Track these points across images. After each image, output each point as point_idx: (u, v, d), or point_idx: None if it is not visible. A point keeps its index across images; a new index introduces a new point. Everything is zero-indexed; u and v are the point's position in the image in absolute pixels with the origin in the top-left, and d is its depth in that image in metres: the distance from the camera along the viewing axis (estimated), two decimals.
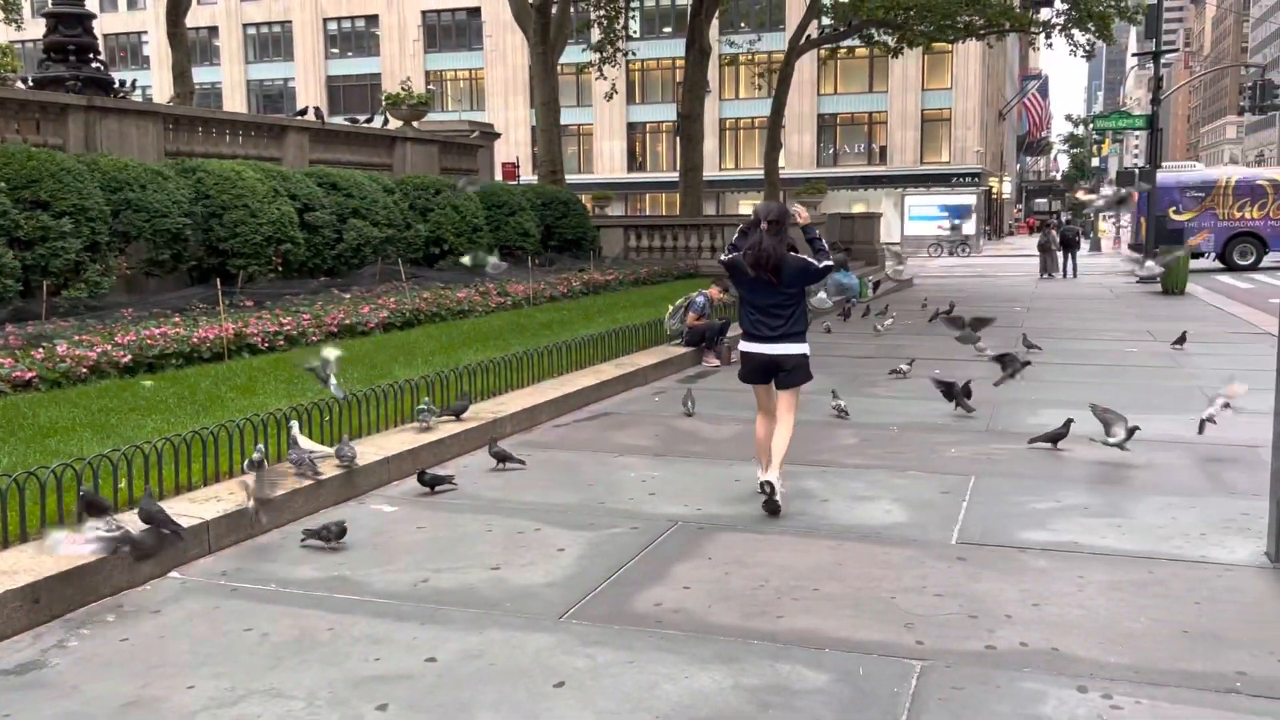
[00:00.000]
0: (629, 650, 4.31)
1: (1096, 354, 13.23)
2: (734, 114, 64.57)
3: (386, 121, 21.35)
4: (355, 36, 72.14)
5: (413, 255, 15.95)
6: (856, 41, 33.06)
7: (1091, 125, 45.47)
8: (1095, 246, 48.32)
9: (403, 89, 21.06)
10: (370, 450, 7.01)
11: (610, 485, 6.92)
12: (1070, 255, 30.70)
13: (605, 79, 29.66)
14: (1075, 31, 29.14)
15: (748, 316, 6.45)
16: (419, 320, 13.16)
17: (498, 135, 25.38)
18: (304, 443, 6.48)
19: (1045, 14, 32.38)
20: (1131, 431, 7.52)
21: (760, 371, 6.49)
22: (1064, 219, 42.42)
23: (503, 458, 7.25)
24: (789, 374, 6.40)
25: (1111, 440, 7.53)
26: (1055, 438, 7.89)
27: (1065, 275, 30.20)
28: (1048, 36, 29.76)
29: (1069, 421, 7.92)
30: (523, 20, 25.11)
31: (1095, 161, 60.87)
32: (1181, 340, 13.40)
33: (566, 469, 7.39)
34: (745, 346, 6.52)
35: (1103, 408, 7.82)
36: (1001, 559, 5.38)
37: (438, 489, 6.66)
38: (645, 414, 9.45)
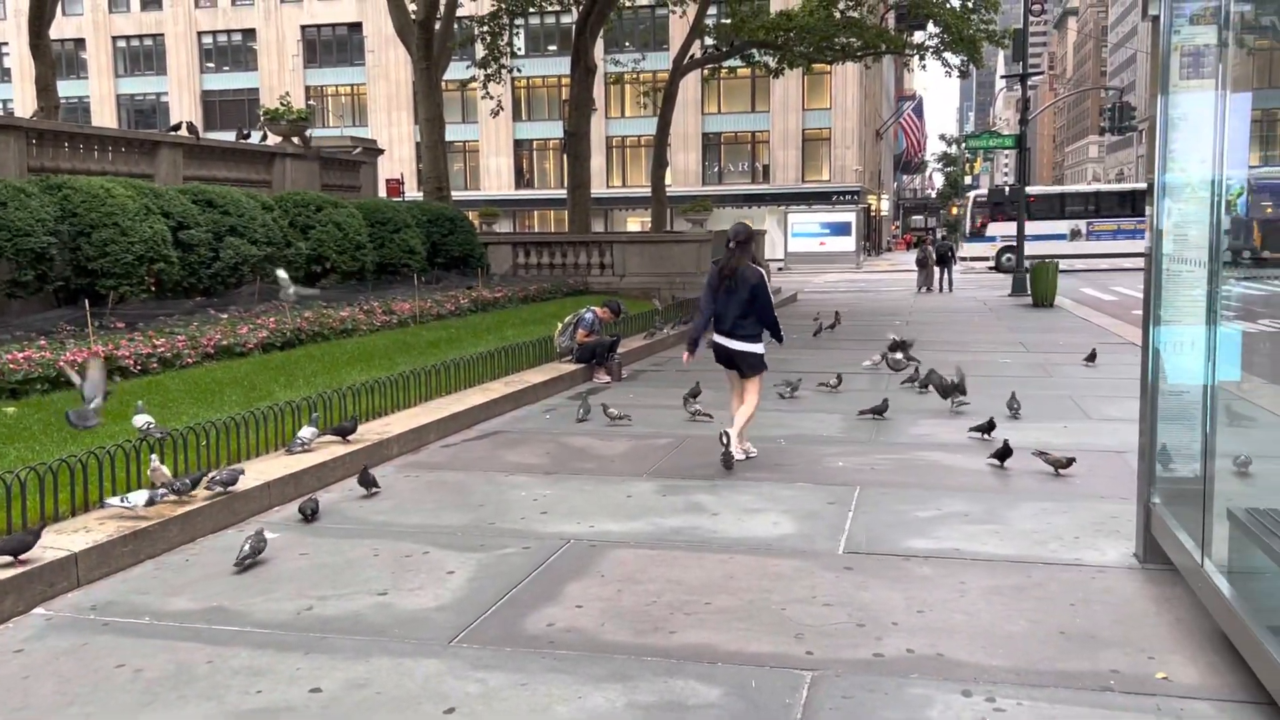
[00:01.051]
0: (521, 672, 4.25)
1: (973, 366, 13.62)
2: (621, 132, 65.01)
3: (265, 137, 20.80)
4: (232, 51, 70.24)
5: (294, 274, 15.54)
6: (739, 62, 33.65)
7: (964, 145, 47.18)
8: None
9: (281, 104, 20.54)
10: (250, 475, 6.78)
11: (501, 505, 6.83)
12: (946, 270, 31.76)
13: (491, 96, 29.51)
14: (948, 54, 30.23)
15: (719, 315, 8.13)
16: (300, 340, 12.82)
17: (381, 151, 24.98)
18: (164, 472, 6.21)
19: (919, 37, 33.56)
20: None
21: (725, 360, 8.24)
22: (939, 235, 43.89)
23: (368, 483, 7.01)
24: (748, 367, 8.15)
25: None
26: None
27: (941, 289, 31.22)
28: (921, 59, 30.81)
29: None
30: (405, 36, 24.81)
31: (968, 179, 63.19)
32: (1092, 357, 13.66)
33: (456, 489, 7.27)
34: (714, 338, 8.20)
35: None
36: (887, 567, 5.49)
37: (315, 517, 6.46)
38: (536, 431, 9.38)
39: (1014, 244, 41.44)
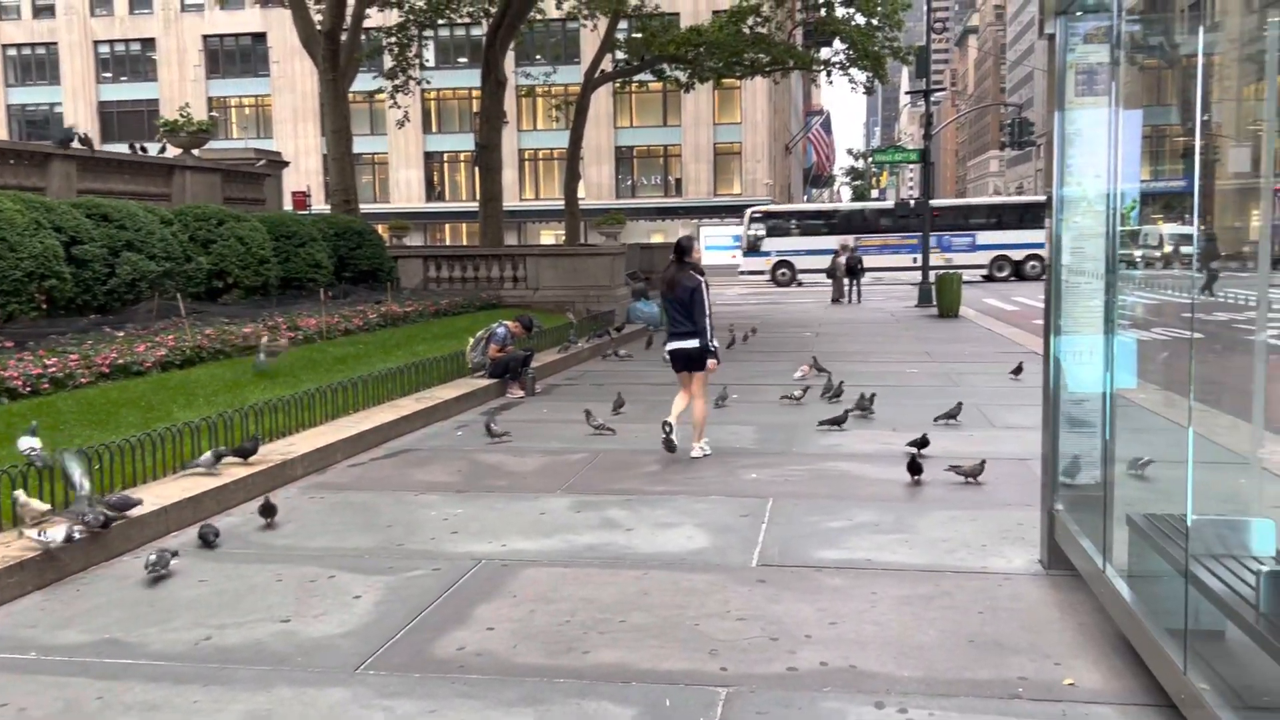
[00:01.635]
0: (430, 699, 4.13)
1: (881, 375, 13.88)
2: (533, 144, 64.80)
3: (164, 149, 20.19)
4: (130, 60, 68.19)
5: (194, 290, 15.08)
6: (650, 76, 33.84)
7: (870, 159, 48.21)
8: None
9: (181, 115, 19.97)
10: (148, 499, 6.51)
11: (410, 525, 6.69)
12: (855, 281, 32.34)
13: (399, 107, 29.15)
14: (854, 70, 30.81)
15: (669, 324, 9.07)
16: (201, 358, 12.42)
17: (286, 164, 24.45)
18: (35, 507, 5.87)
19: (825, 53, 34.14)
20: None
21: (678, 361, 8.94)
22: (849, 248, 44.67)
23: (268, 512, 6.69)
24: (695, 361, 8.81)
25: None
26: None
27: (851, 300, 31.76)
28: (829, 74, 31.33)
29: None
30: (311, 46, 24.34)
31: (875, 193, 64.52)
32: (1018, 370, 13.46)
33: (363, 510, 7.10)
34: (667, 345, 9.09)
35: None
36: (800, 579, 5.51)
37: (215, 542, 6.23)
38: (447, 449, 9.22)
39: (788, 259, 43.67)
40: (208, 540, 6.20)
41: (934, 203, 34.54)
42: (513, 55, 42.58)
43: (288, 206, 29.71)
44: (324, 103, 24.44)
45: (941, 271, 26.50)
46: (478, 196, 26.34)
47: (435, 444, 9.44)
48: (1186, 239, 4.34)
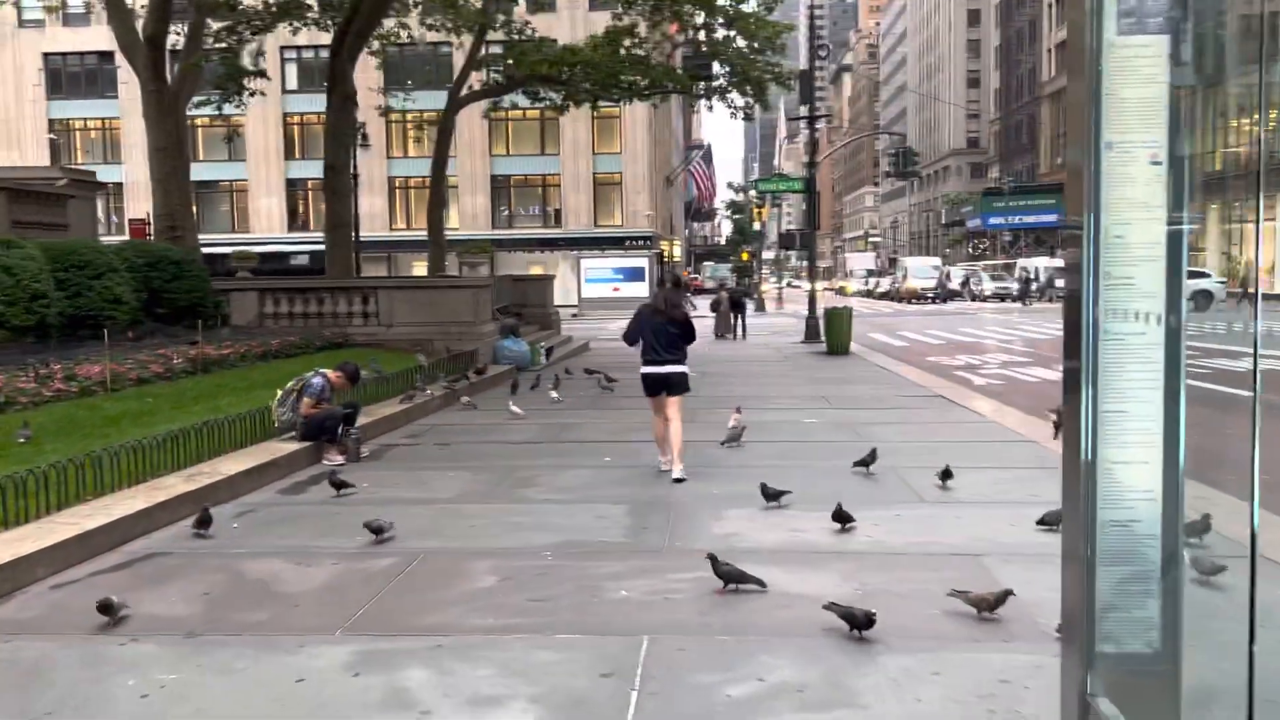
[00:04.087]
0: None
1: (777, 428, 11.94)
2: (405, 172, 61.92)
3: None
4: None
5: None
6: (522, 99, 31.75)
7: (754, 188, 47.04)
8: (760, 307, 49.86)
9: None
10: None
11: (83, 709, 4.30)
12: (739, 316, 30.74)
13: (225, 120, 26.32)
14: (734, 95, 29.30)
15: (649, 348, 9.25)
16: None
17: (101, 185, 21.50)
18: None
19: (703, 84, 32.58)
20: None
21: (657, 385, 9.25)
22: (733, 282, 43.33)
23: None
24: (676, 386, 9.23)
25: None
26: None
27: (735, 336, 30.12)
28: (709, 99, 29.77)
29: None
30: (131, 54, 21.49)
31: (757, 226, 63.63)
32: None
33: (25, 676, 4.67)
34: (646, 370, 9.31)
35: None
36: None
37: None
38: (209, 552, 6.79)
39: None
40: None
41: None
42: (380, 77, 40.00)
43: (108, 235, 26.52)
44: (146, 118, 21.55)
45: (831, 307, 24.98)
46: (324, 223, 23.69)
47: (194, 544, 6.97)
48: None
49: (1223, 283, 4.54)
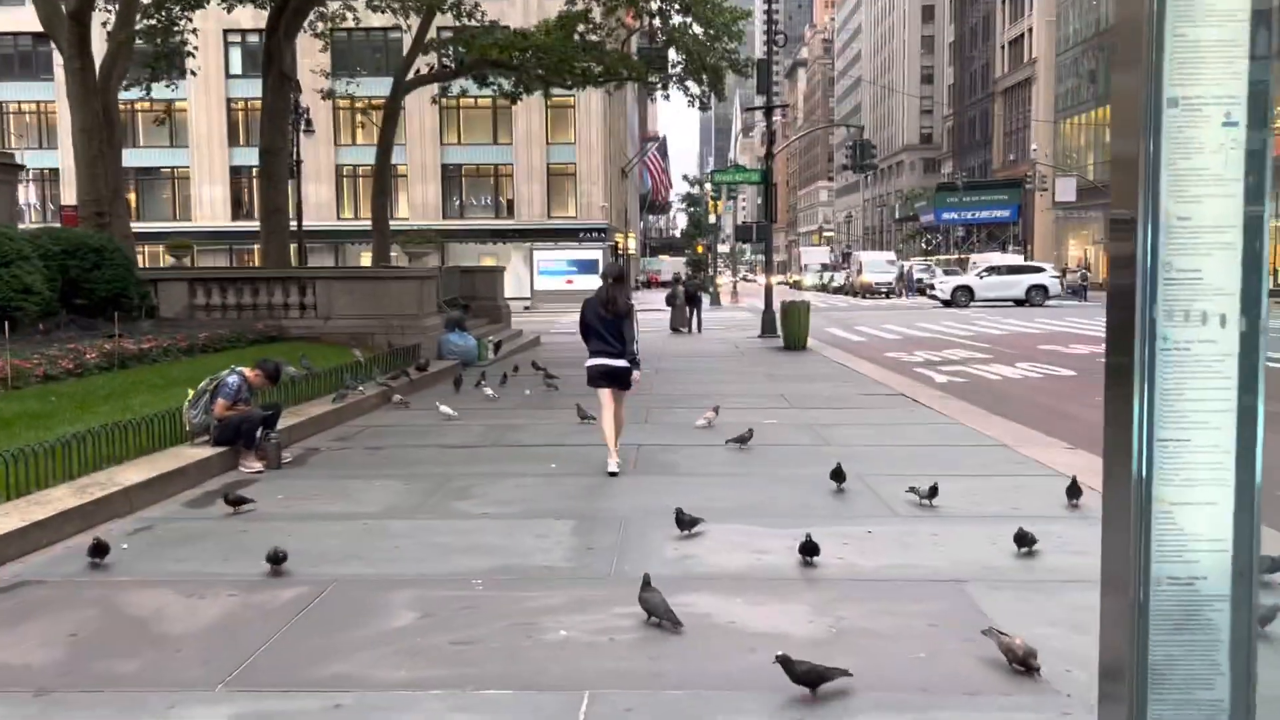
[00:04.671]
0: None
1: (735, 429, 11.21)
2: (354, 160, 60.44)
3: None
4: None
5: None
6: (472, 85, 30.77)
7: (711, 179, 46.33)
8: (715, 301, 49.28)
9: None
10: None
11: None
12: (695, 310, 30.07)
13: (152, 103, 25.13)
14: (690, 83, 28.58)
15: (596, 342, 9.15)
16: None
17: (19, 168, 20.25)
18: None
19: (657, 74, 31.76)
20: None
21: (605, 378, 9.16)
22: (686, 275, 42.63)
23: None
24: (620, 380, 9.16)
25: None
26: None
27: (691, 330, 29.46)
28: (665, 87, 29.02)
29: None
30: (54, 30, 20.27)
31: (712, 218, 63.08)
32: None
33: None
34: (592, 362, 9.17)
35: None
36: None
37: None
38: (87, 582, 5.90)
39: None
40: None
41: None
42: (328, 61, 38.79)
43: (31, 220, 25.17)
44: (70, 96, 20.36)
45: (789, 301, 24.35)
46: (258, 209, 22.60)
47: (71, 569, 6.08)
48: None
49: None
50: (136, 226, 55.98)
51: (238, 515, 7.26)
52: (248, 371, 9.35)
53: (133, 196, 63.29)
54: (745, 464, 9.36)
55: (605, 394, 9.19)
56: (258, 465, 9.05)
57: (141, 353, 13.96)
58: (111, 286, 16.25)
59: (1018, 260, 54.91)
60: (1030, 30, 77.33)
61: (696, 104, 28.85)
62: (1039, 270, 46.22)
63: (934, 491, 7.48)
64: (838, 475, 8.07)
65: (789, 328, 23.02)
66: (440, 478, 8.71)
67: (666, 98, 30.47)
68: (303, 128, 35.35)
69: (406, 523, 7.16)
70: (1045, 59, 73.92)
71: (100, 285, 16.10)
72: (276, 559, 5.83)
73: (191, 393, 9.32)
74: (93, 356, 12.87)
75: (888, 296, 58.39)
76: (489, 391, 14.01)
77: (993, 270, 46.49)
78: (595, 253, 56.87)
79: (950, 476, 8.52)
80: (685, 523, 6.67)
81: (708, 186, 69.87)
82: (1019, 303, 43.02)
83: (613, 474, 8.72)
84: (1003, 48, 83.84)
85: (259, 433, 9.22)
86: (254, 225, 59.80)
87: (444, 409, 12.06)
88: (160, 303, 19.05)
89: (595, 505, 7.68)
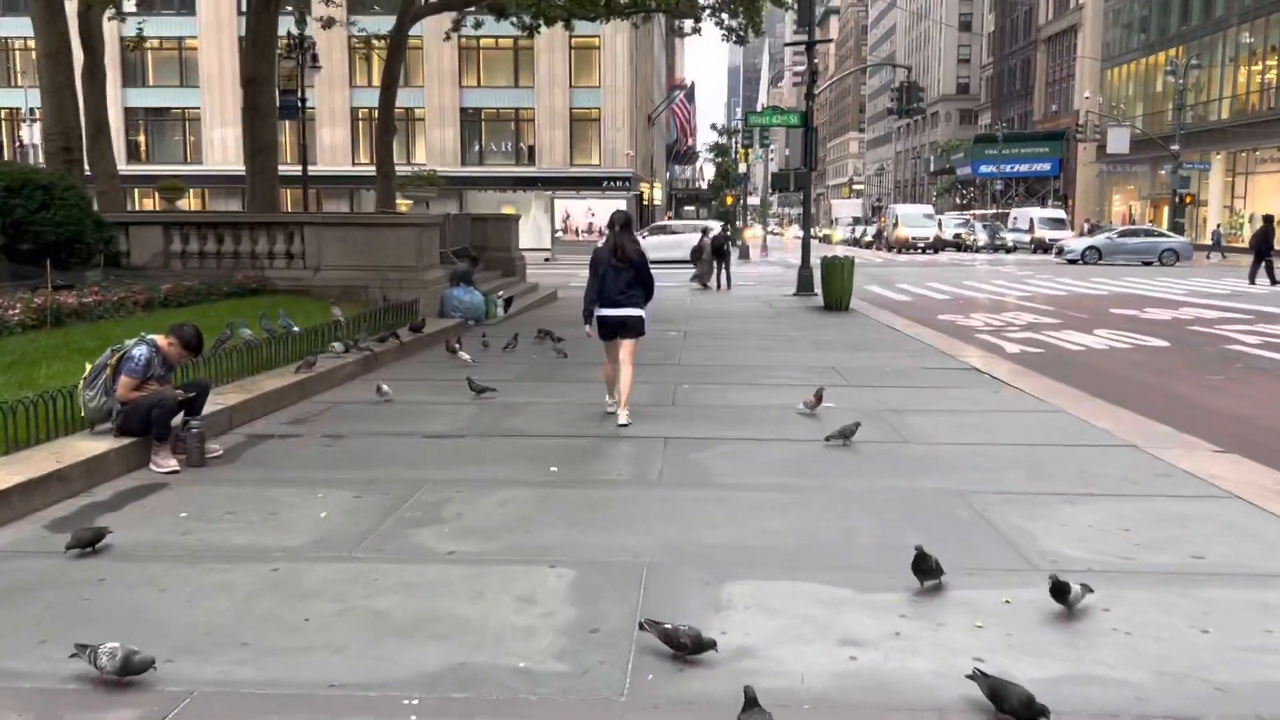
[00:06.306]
0: None
1: (782, 425, 9.01)
2: (370, 102, 57.43)
3: None
4: None
5: None
6: (489, 17, 28.32)
7: (745, 123, 43.59)
8: (744, 255, 46.88)
9: None
10: None
11: None
12: (723, 265, 27.74)
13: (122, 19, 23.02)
14: (724, 15, 26.07)
15: (605, 293, 8.96)
16: None
17: None
18: None
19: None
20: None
21: (613, 329, 9.06)
22: (718, 227, 40.09)
23: None
24: (635, 329, 9.07)
25: None
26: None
27: (720, 286, 27.18)
28: (696, 19, 26.51)
29: None
30: None
31: (742, 168, 60.39)
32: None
33: None
34: (602, 312, 9.04)
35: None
36: None
37: None
38: None
39: None
40: None
41: None
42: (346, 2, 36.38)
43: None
44: (34, 18, 18.18)
45: (830, 256, 22.03)
46: (245, 147, 20.39)
47: None
48: None
49: None
50: (147, 170, 54.15)
51: (95, 556, 5.18)
52: (160, 339, 7.22)
53: (141, 139, 61.49)
54: (804, 470, 7.20)
55: (611, 347, 9.12)
56: (173, 463, 6.97)
57: (83, 308, 11.90)
58: (62, 230, 14.14)
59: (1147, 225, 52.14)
60: None
61: (733, 38, 26.31)
62: (1165, 235, 43.77)
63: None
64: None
65: (830, 286, 20.76)
66: (407, 485, 6.61)
67: (698, 31, 27.95)
68: (308, 63, 33.14)
69: (338, 568, 5.06)
70: (1093, 4, 70.17)
71: (48, 228, 14.00)
72: (126, 666, 3.72)
73: (89, 367, 7.22)
74: (15, 312, 10.82)
75: (924, 252, 55.75)
76: (465, 356, 11.99)
77: (1126, 234, 44.22)
78: (620, 202, 54.40)
79: (1083, 498, 6.36)
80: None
81: (738, 134, 67.02)
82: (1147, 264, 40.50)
83: (623, 425, 8.54)
84: None
85: (177, 420, 7.14)
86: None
87: (384, 387, 9.84)
88: (132, 249, 17.01)
89: (606, 538, 5.56)
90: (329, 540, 5.51)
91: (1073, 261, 41.43)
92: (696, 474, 7.06)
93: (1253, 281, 27.92)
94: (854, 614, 4.46)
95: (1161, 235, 43.99)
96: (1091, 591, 4.51)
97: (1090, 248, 41.98)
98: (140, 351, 7.07)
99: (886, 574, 4.89)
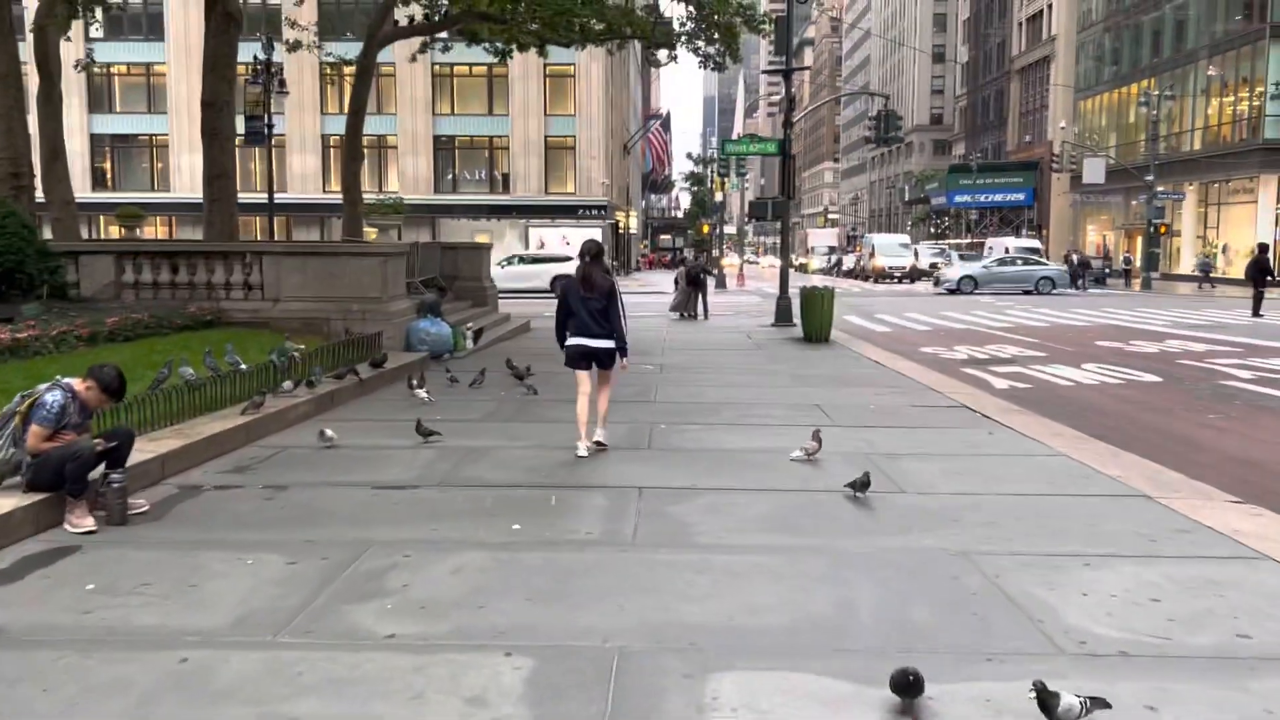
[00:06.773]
0: None
1: (768, 465, 8.40)
2: (341, 129, 57.03)
3: None
4: None
5: None
6: (458, 39, 27.78)
7: (722, 151, 43.16)
8: (721, 284, 46.38)
9: None
10: None
11: None
12: (700, 294, 27.21)
13: (131, 69, 22.19)
14: (700, 42, 25.61)
15: (576, 322, 8.80)
16: None
17: None
18: None
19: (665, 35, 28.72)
20: None
21: (584, 359, 8.86)
22: (689, 256, 39.55)
23: None
24: (608, 358, 8.92)
25: None
26: None
27: (697, 315, 26.64)
28: (672, 47, 26.05)
29: None
30: None
31: (719, 197, 60.12)
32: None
33: None
34: (573, 341, 8.85)
35: None
36: None
37: None
38: None
39: None
40: None
41: None
42: (316, 20, 35.72)
43: None
44: None
45: (809, 287, 21.49)
46: (203, 172, 19.63)
47: None
48: None
49: None
50: (113, 197, 53.09)
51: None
52: (77, 383, 6.49)
53: (108, 165, 60.50)
54: (794, 527, 6.54)
55: (583, 376, 8.84)
56: (89, 521, 6.22)
57: (16, 344, 11.12)
58: (1, 260, 13.37)
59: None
60: (1050, 6, 74.03)
61: (710, 65, 25.86)
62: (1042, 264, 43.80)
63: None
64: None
65: (810, 317, 20.23)
66: (349, 548, 5.90)
67: (674, 59, 27.49)
68: (275, 88, 32.50)
69: (258, 658, 4.33)
70: (1065, 36, 70.66)
71: None
72: None
73: None
74: None
75: (900, 281, 55.50)
76: (423, 394, 11.29)
77: (1003, 261, 44.18)
78: (595, 231, 53.89)
79: (1101, 560, 5.75)
80: None
81: (713, 163, 66.75)
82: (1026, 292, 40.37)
83: (599, 444, 8.65)
84: (1020, 24, 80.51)
85: (96, 473, 6.40)
86: (240, 197, 56.81)
87: (328, 431, 9.10)
88: (81, 279, 16.22)
89: (572, 617, 4.86)
90: (252, 619, 4.78)
91: (951, 291, 41.12)
92: (675, 532, 6.38)
93: (1257, 314, 27.61)
94: (858, 714, 3.79)
95: (1039, 263, 44.28)
96: (1109, 707, 3.79)
97: (966, 277, 41.73)
98: (53, 397, 6.33)
99: (892, 661, 4.23)
